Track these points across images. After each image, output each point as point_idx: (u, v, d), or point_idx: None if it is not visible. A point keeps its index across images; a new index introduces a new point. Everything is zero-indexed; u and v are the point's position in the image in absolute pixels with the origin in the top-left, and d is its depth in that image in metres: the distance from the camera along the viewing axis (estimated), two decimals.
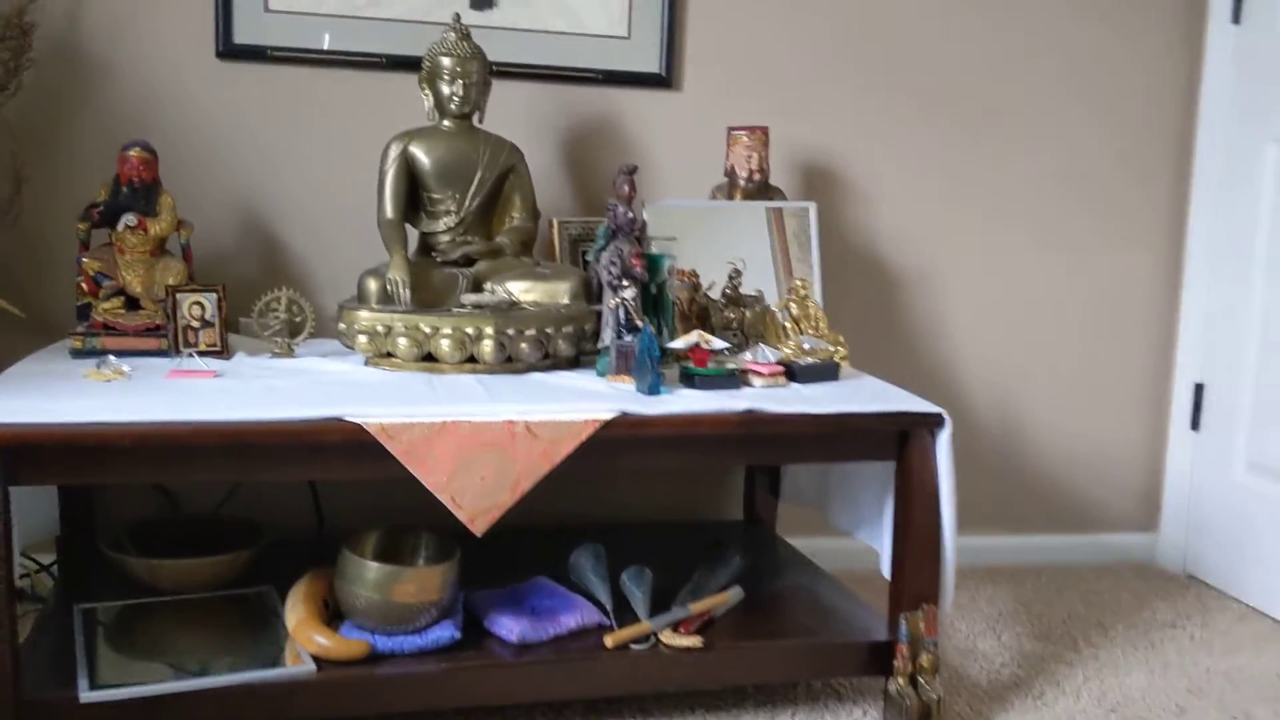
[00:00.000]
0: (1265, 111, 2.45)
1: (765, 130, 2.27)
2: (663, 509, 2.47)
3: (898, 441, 1.81)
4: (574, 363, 2.01)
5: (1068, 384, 2.68)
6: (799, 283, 2.15)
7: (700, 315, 2.15)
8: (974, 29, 2.52)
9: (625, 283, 1.91)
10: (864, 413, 1.76)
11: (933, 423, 1.78)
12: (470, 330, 1.89)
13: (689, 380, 1.88)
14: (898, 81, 2.50)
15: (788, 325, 2.13)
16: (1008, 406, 2.65)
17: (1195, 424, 2.63)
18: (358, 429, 1.56)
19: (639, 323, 1.89)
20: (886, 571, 1.93)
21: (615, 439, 1.67)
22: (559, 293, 2.01)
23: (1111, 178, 2.63)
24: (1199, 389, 2.62)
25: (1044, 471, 2.69)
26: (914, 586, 1.81)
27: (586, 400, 1.72)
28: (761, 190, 2.28)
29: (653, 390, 1.81)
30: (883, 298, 2.56)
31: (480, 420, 1.61)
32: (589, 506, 2.43)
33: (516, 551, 2.14)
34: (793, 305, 2.14)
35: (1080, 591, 2.54)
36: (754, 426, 1.72)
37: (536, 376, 1.92)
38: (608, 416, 1.66)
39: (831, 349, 2.04)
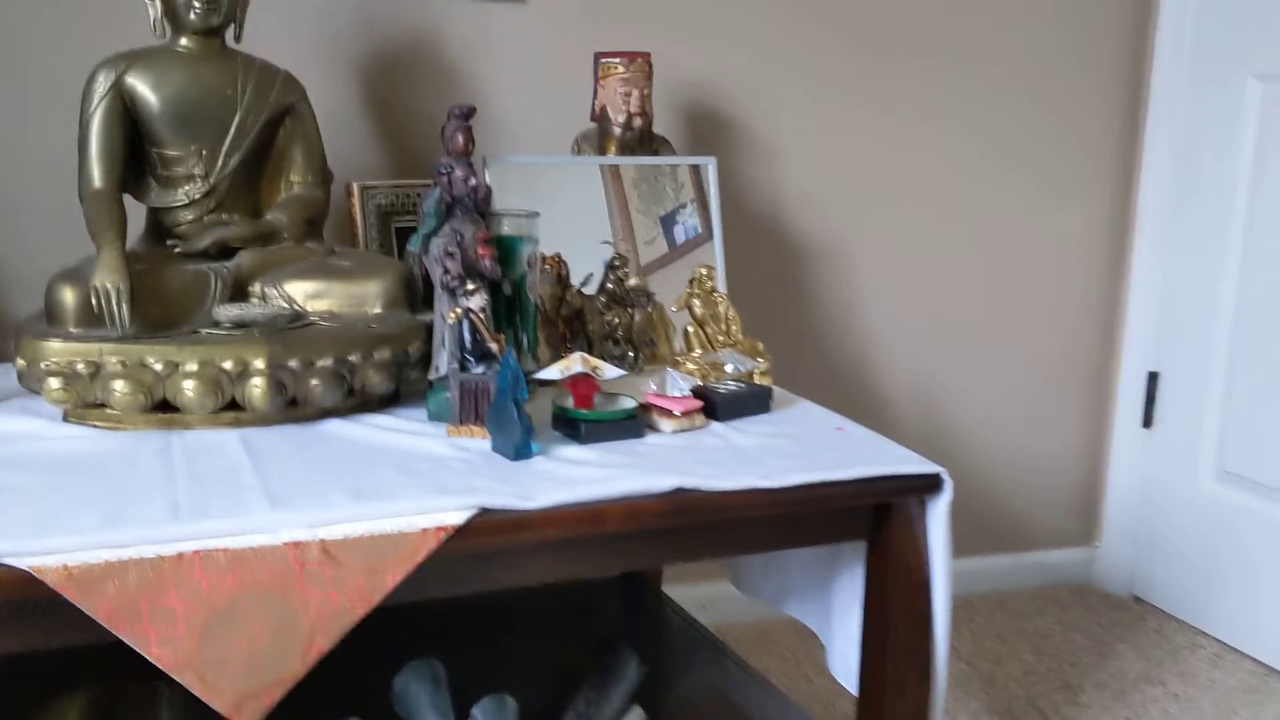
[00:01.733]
0: (1245, 43, 2.00)
1: (647, 58, 1.65)
2: None
3: (873, 516, 1.26)
4: (392, 399, 1.37)
5: (995, 376, 2.20)
6: (703, 271, 1.56)
7: (570, 320, 1.54)
8: None
9: (470, 285, 1.27)
10: (836, 480, 1.19)
11: (925, 487, 1.24)
12: (229, 364, 1.22)
13: (569, 428, 1.28)
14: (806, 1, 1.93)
15: (690, 330, 1.54)
16: (928, 404, 2.16)
17: (1148, 420, 2.20)
18: (26, 578, 0.89)
19: (493, 345, 1.27)
20: (843, 677, 1.39)
21: (471, 554, 1.05)
22: (367, 297, 1.36)
23: (1046, 121, 2.13)
24: (1153, 378, 2.19)
25: (967, 481, 2.22)
26: (896, 716, 1.28)
27: (419, 480, 1.10)
28: (644, 141, 1.67)
29: (521, 453, 1.19)
30: (782, 278, 2.00)
31: (246, 544, 0.96)
32: None
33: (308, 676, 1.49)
34: (696, 302, 1.55)
35: (1024, 633, 2.09)
36: (685, 514, 1.13)
37: (335, 428, 1.27)
38: (458, 520, 1.03)
39: (755, 365, 1.47)
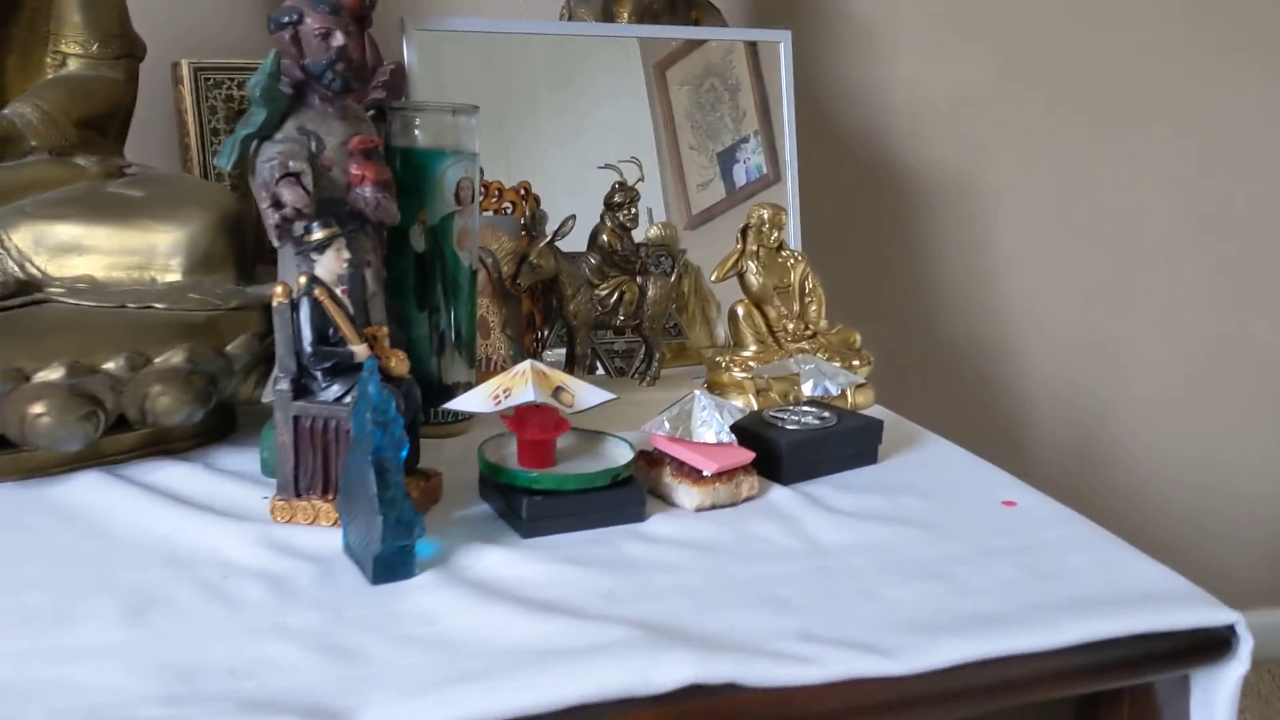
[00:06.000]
0: None
1: None
2: None
3: (1076, 711, 0.64)
4: (218, 432, 0.79)
5: (1179, 368, 1.55)
6: (763, 214, 0.95)
7: (540, 294, 0.93)
8: None
9: (318, 231, 0.67)
10: (1031, 653, 0.57)
11: (1197, 651, 0.62)
12: None
13: (504, 501, 0.68)
14: None
15: (741, 313, 0.93)
16: (1082, 404, 1.52)
17: None
18: None
19: (356, 349, 0.66)
20: None
21: None
22: (157, 253, 0.76)
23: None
24: None
25: (1135, 521, 1.58)
26: None
27: (137, 637, 0.51)
28: (675, 5, 1.05)
29: (390, 568, 0.60)
30: (876, 229, 1.37)
31: None
32: None
33: None
34: (752, 266, 0.93)
35: None
36: None
37: (81, 492, 0.70)
38: None
39: (850, 380, 0.85)
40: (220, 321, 0.74)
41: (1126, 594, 0.61)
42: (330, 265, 0.67)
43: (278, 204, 0.68)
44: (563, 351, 0.93)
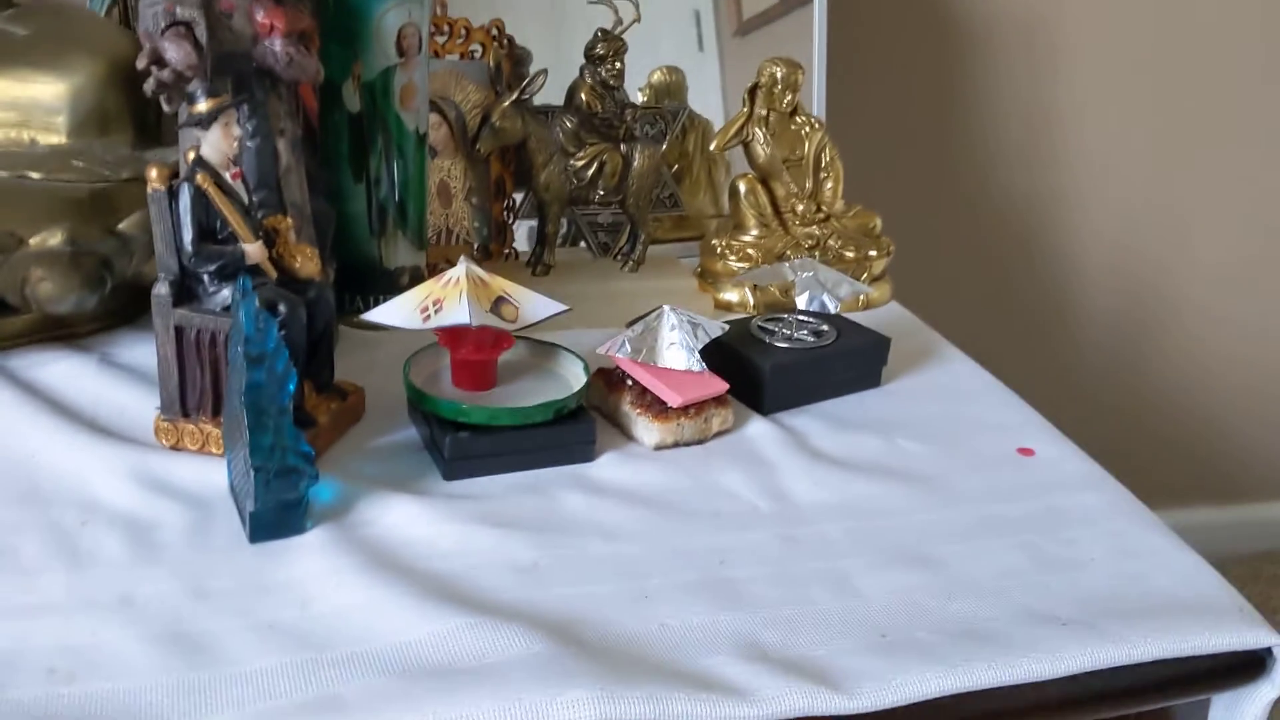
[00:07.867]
0: None
1: None
2: None
3: None
4: (129, 310, 0.69)
5: (1241, 245, 1.39)
6: (776, 72, 0.80)
7: (510, 157, 0.80)
8: None
9: (202, 100, 0.55)
10: (1023, 684, 0.47)
11: (1232, 677, 0.51)
12: None
13: (431, 433, 0.58)
14: None
15: (743, 189, 0.80)
16: (1140, 284, 1.38)
17: None
18: None
19: (249, 247, 0.55)
20: None
21: None
22: (37, 108, 0.65)
23: None
24: None
25: (1176, 392, 1.46)
26: None
27: None
28: None
29: (277, 525, 0.51)
30: (926, 71, 1.20)
31: None
32: None
33: None
34: (759, 134, 0.80)
35: None
36: None
37: None
38: None
39: (857, 289, 0.73)
40: (111, 195, 0.63)
41: (1148, 602, 0.51)
42: (218, 144, 0.55)
43: (159, 62, 0.56)
44: (535, 223, 0.81)
